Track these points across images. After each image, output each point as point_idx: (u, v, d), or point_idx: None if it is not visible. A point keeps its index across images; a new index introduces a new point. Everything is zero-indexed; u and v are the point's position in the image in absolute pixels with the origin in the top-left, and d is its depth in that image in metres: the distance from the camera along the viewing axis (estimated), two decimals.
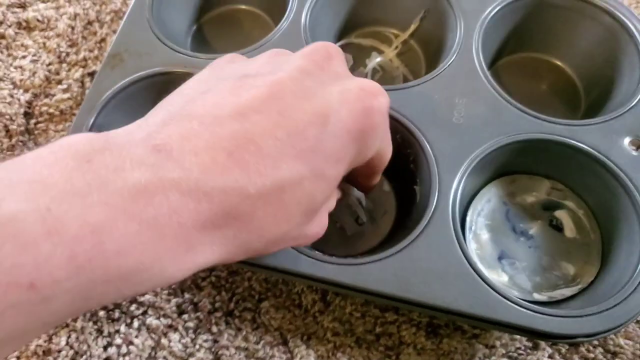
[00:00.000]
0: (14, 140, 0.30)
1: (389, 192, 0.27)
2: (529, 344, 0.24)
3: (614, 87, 0.27)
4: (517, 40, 0.29)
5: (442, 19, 0.28)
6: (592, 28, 0.27)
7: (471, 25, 0.27)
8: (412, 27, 0.30)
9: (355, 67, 0.30)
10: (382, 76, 0.30)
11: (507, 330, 0.21)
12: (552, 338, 0.20)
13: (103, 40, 0.33)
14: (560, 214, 0.25)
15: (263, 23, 0.32)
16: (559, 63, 0.29)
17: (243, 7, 0.32)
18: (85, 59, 0.32)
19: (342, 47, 0.31)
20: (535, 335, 0.21)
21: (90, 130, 0.25)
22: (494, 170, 0.25)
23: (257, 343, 0.25)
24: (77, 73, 0.31)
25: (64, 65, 0.32)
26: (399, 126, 0.25)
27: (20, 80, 0.31)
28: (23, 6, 0.34)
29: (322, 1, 0.28)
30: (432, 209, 0.22)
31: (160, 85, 0.27)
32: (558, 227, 0.25)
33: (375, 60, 0.30)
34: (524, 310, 0.20)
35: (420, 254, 0.22)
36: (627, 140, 0.24)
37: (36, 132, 0.30)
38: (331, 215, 0.19)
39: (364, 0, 0.30)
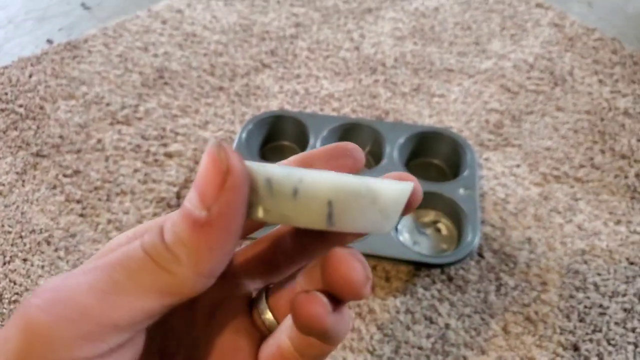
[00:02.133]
0: (171, 210, 0.59)
1: None
2: (429, 280, 0.53)
3: None
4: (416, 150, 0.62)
5: (379, 145, 0.61)
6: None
7: (393, 146, 0.60)
8: (367, 149, 0.63)
9: None
10: None
11: (408, 262, 0.50)
12: (425, 265, 0.50)
13: None
14: (439, 224, 0.55)
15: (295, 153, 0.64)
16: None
17: (286, 143, 0.64)
18: None
19: None
20: (418, 264, 0.50)
21: None
22: None
23: None
24: None
25: (193, 173, 0.62)
26: None
27: (170, 181, 0.61)
28: (165, 145, 0.65)
29: (326, 137, 0.60)
30: None
31: None
32: (439, 230, 0.55)
33: None
34: (413, 253, 0.50)
35: None
36: (461, 190, 0.55)
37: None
38: None
39: (345, 136, 0.63)
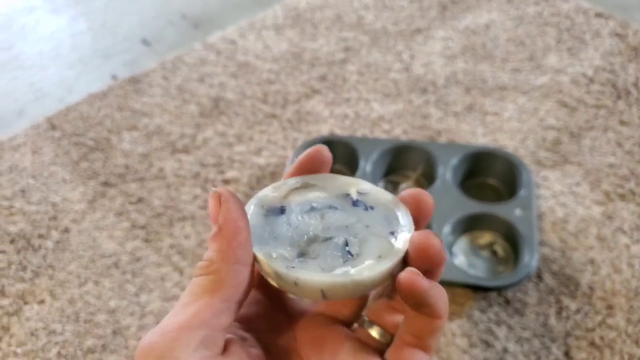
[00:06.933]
0: None
1: None
2: (488, 302, 0.51)
3: None
4: (470, 171, 0.61)
5: (431, 166, 0.61)
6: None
7: (446, 167, 0.59)
8: (419, 170, 0.62)
9: (396, 190, 0.62)
10: None
11: (464, 285, 0.49)
12: (481, 288, 0.49)
13: None
14: (496, 246, 0.54)
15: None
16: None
17: (337, 167, 0.65)
18: None
19: (386, 180, 0.63)
20: (474, 287, 0.49)
21: None
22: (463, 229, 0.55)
23: None
24: None
25: (248, 199, 0.64)
26: None
27: None
28: (222, 172, 0.68)
29: (376, 159, 0.61)
30: None
31: None
32: (495, 252, 0.54)
33: (404, 185, 0.62)
34: (469, 276, 0.49)
35: None
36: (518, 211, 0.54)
37: None
38: None
39: (396, 158, 0.63)
